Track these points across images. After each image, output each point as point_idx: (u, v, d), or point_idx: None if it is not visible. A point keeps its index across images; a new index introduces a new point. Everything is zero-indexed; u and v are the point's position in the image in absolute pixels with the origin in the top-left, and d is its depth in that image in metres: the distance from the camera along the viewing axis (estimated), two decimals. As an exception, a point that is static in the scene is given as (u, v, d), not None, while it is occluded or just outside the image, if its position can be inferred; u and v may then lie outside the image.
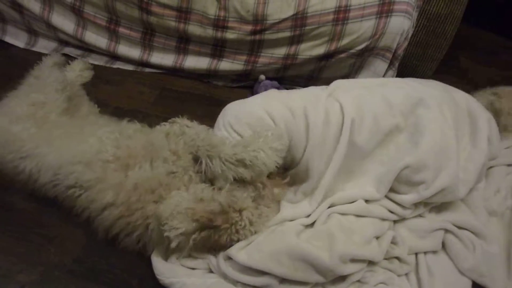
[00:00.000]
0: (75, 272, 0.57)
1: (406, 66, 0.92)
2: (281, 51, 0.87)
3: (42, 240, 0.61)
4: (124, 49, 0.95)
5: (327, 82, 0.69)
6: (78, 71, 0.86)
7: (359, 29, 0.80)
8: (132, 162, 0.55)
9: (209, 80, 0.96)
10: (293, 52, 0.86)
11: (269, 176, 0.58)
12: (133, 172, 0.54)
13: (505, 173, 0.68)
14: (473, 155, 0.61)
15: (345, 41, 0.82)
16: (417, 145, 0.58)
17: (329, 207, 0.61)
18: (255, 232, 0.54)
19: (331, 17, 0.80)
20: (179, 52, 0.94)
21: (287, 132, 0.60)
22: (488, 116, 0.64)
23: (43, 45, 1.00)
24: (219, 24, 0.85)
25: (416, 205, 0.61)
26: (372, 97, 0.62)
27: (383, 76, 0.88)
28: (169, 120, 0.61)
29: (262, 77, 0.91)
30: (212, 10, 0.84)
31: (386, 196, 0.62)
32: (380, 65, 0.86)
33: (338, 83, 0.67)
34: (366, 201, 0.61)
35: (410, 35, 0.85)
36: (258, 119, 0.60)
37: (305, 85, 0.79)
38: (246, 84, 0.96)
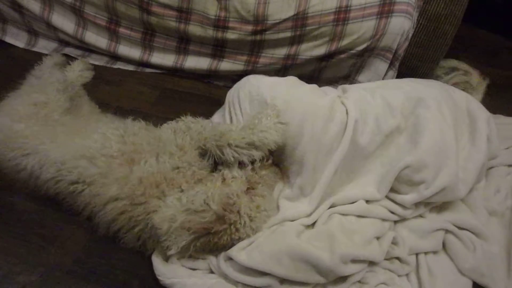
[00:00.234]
0: (76, 273, 0.57)
1: (407, 67, 0.92)
2: (282, 52, 0.87)
3: (43, 240, 0.61)
4: (124, 50, 0.95)
5: (328, 82, 0.70)
6: (79, 71, 0.86)
7: (360, 30, 0.80)
8: (138, 157, 0.56)
9: (209, 80, 0.96)
10: (294, 53, 0.86)
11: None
12: (139, 167, 0.55)
13: (505, 173, 0.68)
14: (472, 154, 0.61)
15: (345, 42, 0.82)
16: (416, 145, 0.58)
17: (330, 207, 0.61)
18: (256, 229, 0.54)
19: (331, 17, 0.80)
20: (180, 53, 0.94)
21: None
22: (487, 116, 0.64)
23: (43, 45, 1.00)
24: (220, 24, 0.85)
25: (417, 205, 0.61)
26: (373, 99, 0.62)
27: (384, 76, 0.88)
28: (176, 120, 0.62)
29: (263, 77, 0.91)
30: (212, 10, 0.84)
31: (387, 197, 0.62)
32: (381, 65, 0.86)
33: (341, 87, 0.69)
34: (367, 201, 0.61)
35: (410, 36, 0.85)
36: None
37: (306, 85, 0.79)
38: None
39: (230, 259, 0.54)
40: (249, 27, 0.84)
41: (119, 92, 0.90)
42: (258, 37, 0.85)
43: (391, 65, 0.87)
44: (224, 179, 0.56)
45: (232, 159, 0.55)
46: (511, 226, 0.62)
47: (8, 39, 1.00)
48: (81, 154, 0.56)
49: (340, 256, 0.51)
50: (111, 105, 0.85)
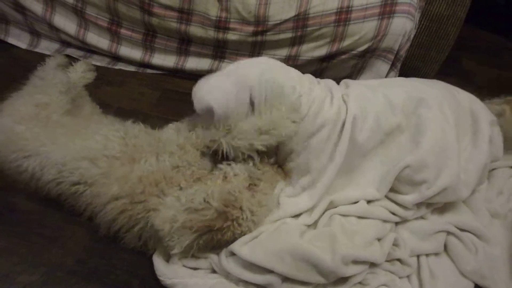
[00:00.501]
0: (77, 273, 0.57)
1: (408, 68, 0.92)
2: (283, 52, 0.87)
3: (44, 240, 0.61)
4: (125, 50, 0.95)
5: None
6: (81, 72, 0.86)
7: (361, 30, 0.80)
8: (138, 157, 0.56)
9: (210, 81, 0.97)
10: (295, 53, 0.86)
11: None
12: (139, 166, 0.55)
13: (508, 175, 0.68)
14: (473, 155, 0.61)
15: (347, 42, 0.82)
16: (418, 145, 0.58)
17: (329, 206, 0.61)
18: (258, 223, 0.54)
19: (333, 18, 0.80)
20: (181, 54, 0.94)
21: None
22: (490, 117, 0.63)
23: (45, 46, 1.00)
24: (221, 25, 0.85)
25: (418, 206, 0.61)
26: (374, 96, 0.62)
27: (385, 77, 0.88)
28: (180, 121, 0.63)
29: (264, 78, 0.91)
30: (213, 11, 0.84)
31: (388, 197, 0.62)
32: (382, 66, 0.86)
33: (345, 82, 0.68)
34: (368, 202, 0.61)
35: (412, 36, 0.85)
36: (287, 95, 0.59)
37: (307, 86, 0.79)
38: (247, 85, 0.96)
39: (231, 255, 0.54)
40: (250, 28, 0.84)
41: (120, 93, 0.90)
42: (259, 38, 0.85)
43: (392, 66, 0.87)
44: (225, 177, 0.56)
45: (245, 150, 0.56)
46: (513, 228, 0.61)
47: (11, 40, 1.00)
48: (82, 156, 0.56)
49: (341, 257, 0.51)
50: (112, 106, 0.85)
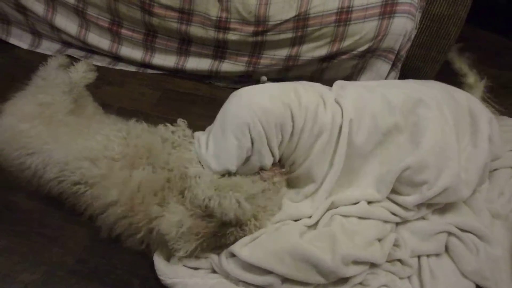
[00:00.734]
0: (78, 272, 0.57)
1: (409, 68, 0.92)
2: (283, 52, 0.87)
3: (45, 240, 0.61)
4: (126, 51, 0.96)
5: (329, 83, 0.69)
6: (82, 72, 0.87)
7: (362, 30, 0.80)
8: (138, 162, 0.56)
9: (210, 81, 0.97)
10: (295, 54, 0.86)
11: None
12: (137, 172, 0.55)
13: (509, 175, 0.67)
14: (473, 155, 0.61)
15: (347, 43, 0.82)
16: (418, 146, 0.58)
17: (330, 207, 0.60)
18: (260, 227, 0.55)
19: (333, 18, 0.80)
20: (181, 54, 0.94)
21: (297, 133, 0.59)
22: (489, 116, 0.63)
23: (46, 47, 1.01)
24: (221, 25, 0.85)
25: (419, 207, 0.60)
26: (372, 96, 0.62)
27: (386, 77, 0.87)
28: (172, 127, 0.61)
29: (264, 78, 0.91)
30: (214, 11, 0.84)
31: (389, 198, 0.61)
32: (383, 66, 0.86)
33: (339, 83, 0.67)
34: (369, 202, 0.61)
35: (413, 36, 0.85)
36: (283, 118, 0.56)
37: (307, 86, 0.79)
38: (247, 86, 0.96)
39: (232, 256, 0.54)
40: (250, 28, 0.84)
41: (121, 93, 0.90)
42: (259, 38, 0.85)
43: (393, 66, 0.87)
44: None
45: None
46: (515, 229, 0.61)
47: (12, 40, 1.01)
48: (84, 156, 0.56)
49: (341, 257, 0.51)
50: (113, 106, 0.85)
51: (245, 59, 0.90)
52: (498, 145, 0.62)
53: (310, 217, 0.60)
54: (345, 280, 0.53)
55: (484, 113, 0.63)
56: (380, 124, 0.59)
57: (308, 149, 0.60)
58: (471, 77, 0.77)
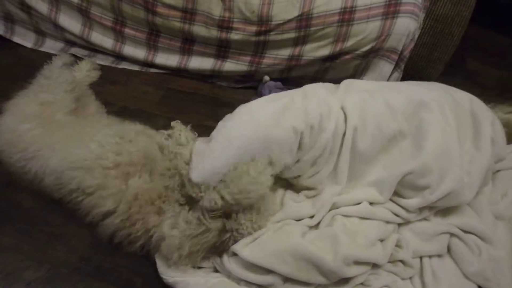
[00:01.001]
0: (81, 270, 0.58)
1: (413, 68, 0.91)
2: (286, 52, 0.87)
3: (49, 238, 0.61)
4: (129, 50, 0.96)
5: (332, 83, 0.69)
6: (86, 71, 0.87)
7: (365, 30, 0.80)
8: (133, 170, 0.55)
9: (213, 80, 0.97)
10: (298, 53, 0.86)
11: None
12: (133, 181, 0.54)
13: (512, 177, 0.67)
14: (476, 158, 0.60)
15: (350, 43, 0.82)
16: (420, 149, 0.58)
17: (332, 207, 0.60)
18: (259, 227, 0.55)
19: (336, 18, 0.80)
20: (184, 53, 0.94)
21: (306, 147, 0.58)
22: (492, 117, 0.63)
23: (50, 46, 1.01)
24: (224, 25, 0.85)
25: (421, 208, 0.60)
26: (374, 101, 0.61)
27: (389, 78, 0.87)
28: (167, 131, 0.61)
29: (267, 78, 0.91)
30: (217, 11, 0.84)
31: (391, 200, 0.61)
32: (386, 66, 0.86)
33: (346, 82, 0.67)
34: (371, 203, 0.61)
35: (416, 37, 0.84)
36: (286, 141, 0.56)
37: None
38: (250, 85, 0.96)
39: (233, 255, 0.54)
40: (253, 28, 0.84)
41: (124, 92, 0.91)
42: (262, 38, 0.85)
43: (396, 66, 0.86)
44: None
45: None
46: (517, 230, 0.61)
47: (16, 39, 1.02)
48: (77, 166, 0.55)
49: (343, 257, 0.51)
50: (116, 105, 0.85)
51: (248, 58, 0.90)
52: (502, 146, 0.62)
53: (312, 217, 0.60)
54: (346, 280, 0.53)
55: (486, 115, 0.62)
56: (384, 130, 0.59)
57: (313, 162, 0.60)
58: None
